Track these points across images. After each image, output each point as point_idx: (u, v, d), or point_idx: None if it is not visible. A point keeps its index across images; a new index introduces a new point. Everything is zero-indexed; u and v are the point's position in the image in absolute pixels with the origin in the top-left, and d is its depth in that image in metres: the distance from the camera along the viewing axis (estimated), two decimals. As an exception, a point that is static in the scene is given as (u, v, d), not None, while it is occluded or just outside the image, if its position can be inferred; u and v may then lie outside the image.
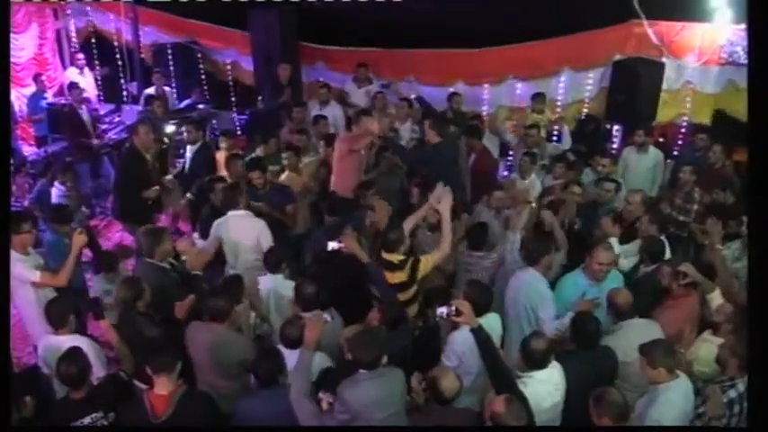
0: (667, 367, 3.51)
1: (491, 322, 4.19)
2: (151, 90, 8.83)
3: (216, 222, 5.35)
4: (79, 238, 4.78)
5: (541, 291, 4.42)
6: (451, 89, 8.45)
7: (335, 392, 3.45)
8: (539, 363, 3.62)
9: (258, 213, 5.48)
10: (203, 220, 5.72)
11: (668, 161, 7.36)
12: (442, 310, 3.70)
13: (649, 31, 7.69)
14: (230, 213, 5.31)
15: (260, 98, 8.73)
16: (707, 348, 3.93)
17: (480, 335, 3.65)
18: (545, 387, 3.62)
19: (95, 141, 8.11)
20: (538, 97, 8.00)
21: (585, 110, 8.45)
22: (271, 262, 4.82)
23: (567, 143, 7.82)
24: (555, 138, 7.87)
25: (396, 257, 4.52)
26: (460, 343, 3.90)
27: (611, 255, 4.51)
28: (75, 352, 3.59)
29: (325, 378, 3.67)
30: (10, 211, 4.40)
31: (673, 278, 4.39)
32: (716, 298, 4.33)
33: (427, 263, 4.60)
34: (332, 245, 4.48)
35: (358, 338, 3.54)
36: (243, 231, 5.25)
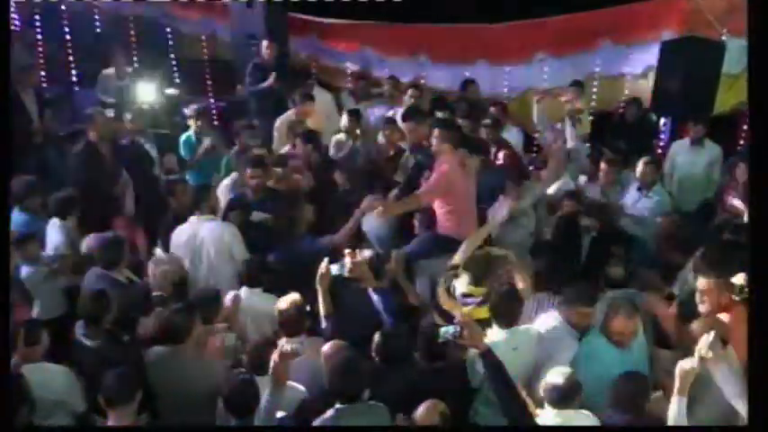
0: None
1: (521, 337, 4.26)
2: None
3: (178, 229, 5.39)
4: None
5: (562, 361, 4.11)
6: (470, 71, 8.53)
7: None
8: (561, 402, 3.66)
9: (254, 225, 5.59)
10: (165, 228, 5.69)
11: (730, 159, 7.28)
12: (446, 330, 3.69)
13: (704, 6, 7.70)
14: (193, 219, 5.36)
15: (239, 86, 8.78)
16: None
17: (490, 360, 3.66)
18: None
19: (41, 131, 7.98)
20: (574, 85, 7.93)
21: (626, 90, 8.47)
22: (249, 274, 4.89)
23: (571, 139, 7.64)
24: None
25: (479, 291, 4.59)
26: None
27: (635, 321, 4.17)
28: None
29: (300, 414, 3.70)
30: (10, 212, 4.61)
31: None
32: None
33: None
34: (334, 268, 4.42)
35: (338, 365, 3.58)
36: (210, 239, 5.29)
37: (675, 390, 3.50)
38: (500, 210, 5.26)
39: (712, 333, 3.48)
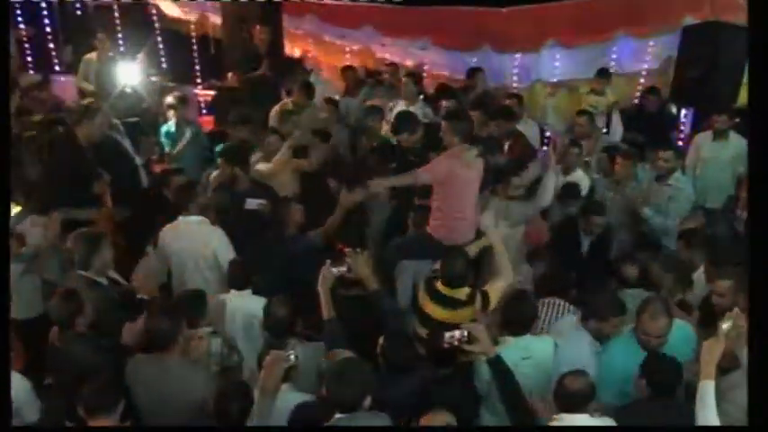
0: None
1: (535, 347, 4.22)
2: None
3: (164, 229, 5.38)
4: None
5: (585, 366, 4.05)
6: (476, 58, 8.54)
7: None
8: (574, 407, 3.63)
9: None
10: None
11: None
12: (452, 335, 3.74)
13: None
14: (181, 219, 5.34)
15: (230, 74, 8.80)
16: None
17: (498, 367, 3.75)
18: None
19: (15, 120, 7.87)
20: (602, 74, 8.00)
21: (641, 84, 8.49)
22: (234, 276, 4.88)
23: (616, 134, 7.79)
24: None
25: (462, 292, 4.58)
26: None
27: (662, 323, 4.10)
28: None
29: (297, 420, 3.69)
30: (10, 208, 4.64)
31: None
32: None
33: (496, 296, 4.61)
34: (333, 270, 4.48)
35: (335, 371, 3.55)
36: (196, 243, 5.26)
37: (702, 373, 3.49)
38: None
39: (735, 310, 3.64)
